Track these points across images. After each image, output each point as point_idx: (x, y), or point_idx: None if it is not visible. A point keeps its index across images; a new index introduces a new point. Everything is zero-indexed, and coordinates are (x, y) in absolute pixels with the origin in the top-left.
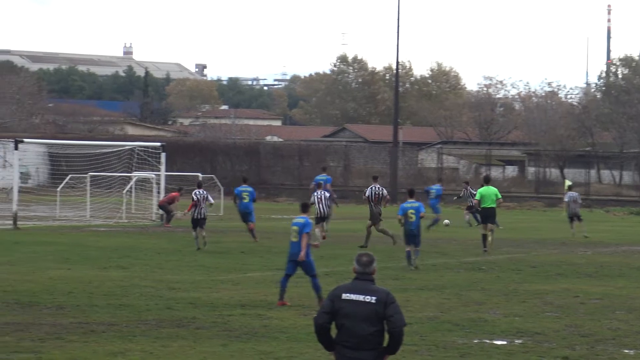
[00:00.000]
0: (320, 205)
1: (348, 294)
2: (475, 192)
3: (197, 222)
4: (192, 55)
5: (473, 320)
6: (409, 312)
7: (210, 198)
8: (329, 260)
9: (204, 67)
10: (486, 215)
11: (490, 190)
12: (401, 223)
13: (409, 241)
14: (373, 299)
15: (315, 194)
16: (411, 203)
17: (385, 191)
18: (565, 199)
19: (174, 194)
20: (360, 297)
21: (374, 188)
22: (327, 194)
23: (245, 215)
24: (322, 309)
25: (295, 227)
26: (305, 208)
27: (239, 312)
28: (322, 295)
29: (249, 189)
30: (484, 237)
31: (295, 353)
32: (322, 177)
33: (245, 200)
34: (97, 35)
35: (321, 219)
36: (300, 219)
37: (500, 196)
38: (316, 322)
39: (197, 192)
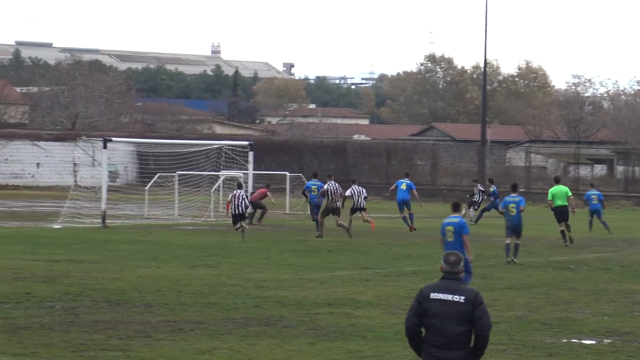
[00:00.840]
0: (360, 199)
1: (436, 293)
2: (484, 190)
3: (237, 217)
4: (279, 54)
5: (561, 319)
6: (496, 311)
7: (247, 198)
8: (416, 259)
9: (292, 65)
10: (559, 212)
11: (561, 189)
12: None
13: (510, 233)
14: (462, 299)
15: (353, 187)
16: (513, 197)
17: (340, 188)
18: None
19: (263, 190)
20: (449, 297)
21: (331, 185)
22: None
23: (317, 209)
24: (410, 312)
25: (450, 227)
26: (456, 208)
27: (326, 311)
28: None
29: (318, 182)
30: (563, 233)
31: (382, 352)
32: (404, 181)
33: (314, 194)
34: (185, 35)
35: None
36: (453, 218)
37: (570, 194)
38: (405, 326)
39: (236, 193)
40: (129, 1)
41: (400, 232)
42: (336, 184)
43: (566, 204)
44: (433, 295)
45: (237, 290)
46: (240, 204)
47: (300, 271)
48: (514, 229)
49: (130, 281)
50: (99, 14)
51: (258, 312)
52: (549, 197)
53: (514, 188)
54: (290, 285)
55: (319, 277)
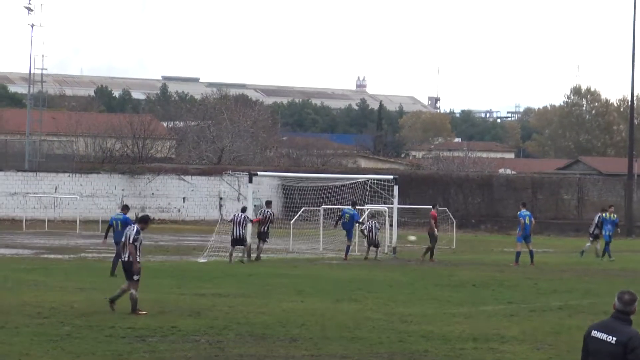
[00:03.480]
0: (370, 234)
1: (596, 332)
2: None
3: (235, 242)
4: (424, 88)
5: None
6: None
7: (248, 219)
8: (562, 293)
9: (437, 99)
10: None
11: None
12: None
13: None
14: (613, 340)
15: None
16: None
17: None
18: None
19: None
20: (604, 336)
21: (265, 212)
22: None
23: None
24: (582, 348)
25: None
26: None
27: (471, 346)
28: None
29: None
30: None
31: None
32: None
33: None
34: (331, 69)
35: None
36: None
37: None
38: None
39: (237, 215)
40: (275, 36)
41: (546, 267)
42: (269, 211)
43: None
44: (593, 333)
45: (381, 324)
46: (241, 228)
47: (445, 305)
48: None
49: (275, 315)
50: (245, 49)
51: (402, 346)
52: None
53: None
54: (434, 319)
55: (464, 311)
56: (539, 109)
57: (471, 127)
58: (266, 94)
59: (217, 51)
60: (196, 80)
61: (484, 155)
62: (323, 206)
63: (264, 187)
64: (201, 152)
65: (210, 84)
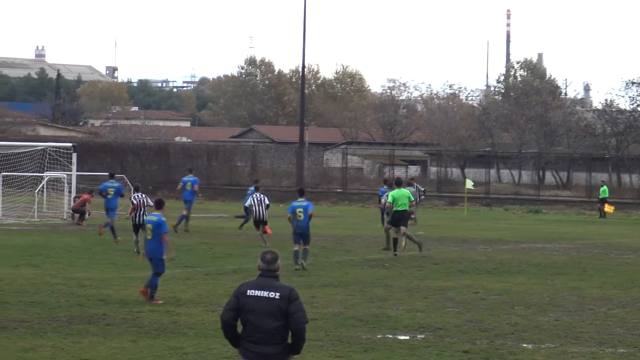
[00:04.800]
0: (260, 208)
1: (252, 290)
2: (423, 190)
3: (137, 227)
4: (102, 57)
5: (377, 315)
6: (314, 308)
7: (149, 201)
8: (237, 257)
9: (115, 69)
10: (399, 218)
11: (403, 192)
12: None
13: (297, 239)
14: (277, 295)
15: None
16: (300, 202)
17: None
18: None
19: (85, 196)
20: (265, 293)
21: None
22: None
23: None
24: (227, 306)
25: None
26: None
27: (148, 309)
28: None
29: (115, 184)
30: (395, 241)
31: (203, 348)
32: (189, 177)
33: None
34: (9, 37)
35: (259, 222)
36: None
37: (413, 199)
38: (222, 319)
39: (136, 196)
40: None
41: (222, 231)
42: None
43: (407, 209)
44: (250, 292)
45: (60, 289)
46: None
47: (123, 270)
48: (301, 234)
49: None
50: None
51: (81, 310)
52: (389, 200)
53: (301, 193)
54: (113, 284)
55: (141, 275)
56: (213, 79)
57: (148, 96)
58: None
59: None
60: None
61: (161, 123)
62: (2, 173)
63: None
64: None
65: None
